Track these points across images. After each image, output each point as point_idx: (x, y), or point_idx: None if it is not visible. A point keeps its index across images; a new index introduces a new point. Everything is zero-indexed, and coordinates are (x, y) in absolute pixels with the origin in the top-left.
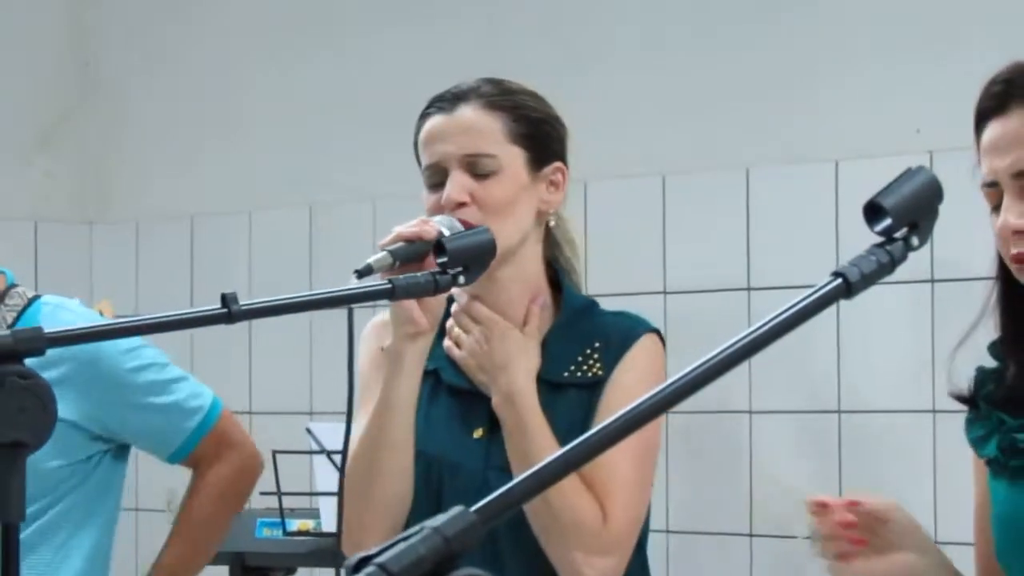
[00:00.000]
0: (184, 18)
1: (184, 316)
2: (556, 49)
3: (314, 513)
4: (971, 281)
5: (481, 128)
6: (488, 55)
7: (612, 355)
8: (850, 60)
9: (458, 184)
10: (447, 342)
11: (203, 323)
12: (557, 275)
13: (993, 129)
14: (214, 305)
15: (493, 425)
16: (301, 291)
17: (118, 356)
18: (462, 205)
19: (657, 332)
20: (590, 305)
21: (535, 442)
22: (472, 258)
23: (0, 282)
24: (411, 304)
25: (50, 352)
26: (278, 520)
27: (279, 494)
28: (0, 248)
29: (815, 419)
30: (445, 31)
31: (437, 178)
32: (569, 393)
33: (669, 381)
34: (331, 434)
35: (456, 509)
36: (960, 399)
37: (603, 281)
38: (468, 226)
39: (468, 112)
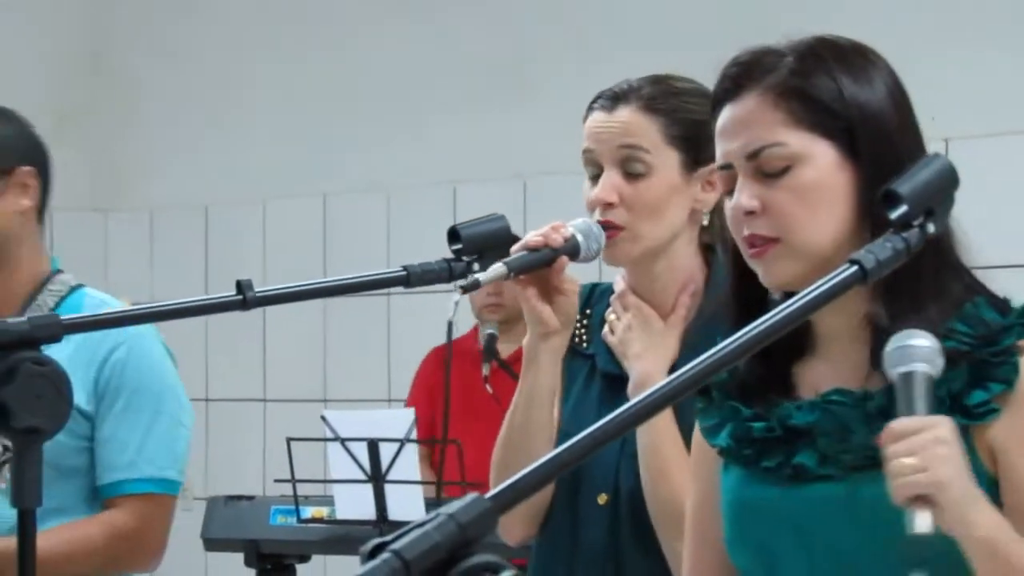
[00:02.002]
0: (197, 9)
1: (199, 303)
2: (565, 40)
3: (328, 500)
4: (987, 269)
5: (636, 130)
6: (500, 46)
7: None
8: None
9: (608, 185)
10: (605, 329)
11: (218, 309)
12: (712, 260)
13: (727, 113)
14: (228, 292)
15: None
16: (315, 280)
17: (169, 378)
18: (610, 205)
19: None
20: None
21: (657, 433)
22: (487, 245)
23: (46, 267)
24: (543, 308)
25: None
26: (292, 507)
27: (293, 481)
28: None
29: None
30: (461, 23)
31: (593, 171)
32: None
33: (691, 364)
34: (345, 421)
35: (471, 496)
36: None
37: None
38: (612, 228)
39: (626, 113)
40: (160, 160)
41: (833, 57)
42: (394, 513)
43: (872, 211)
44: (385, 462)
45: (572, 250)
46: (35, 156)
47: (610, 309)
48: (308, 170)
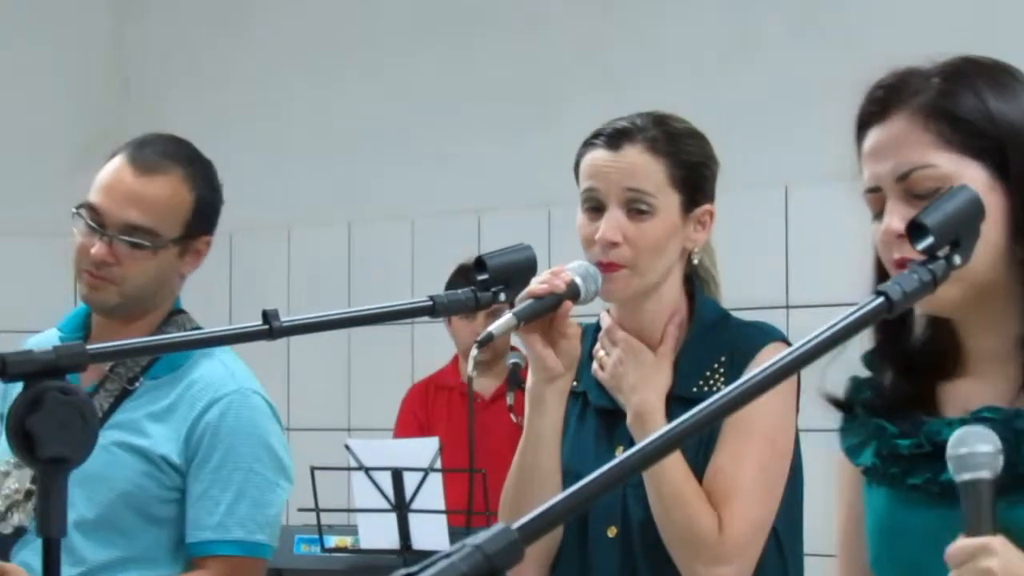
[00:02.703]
0: (224, 37)
1: (226, 332)
2: (591, 72)
3: (352, 530)
4: None
5: (643, 171)
6: (525, 75)
7: (736, 368)
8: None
9: (613, 224)
10: (595, 365)
11: (245, 339)
12: (694, 289)
13: (874, 135)
14: (252, 321)
15: (633, 443)
16: (339, 308)
17: (268, 437)
18: (615, 244)
19: (785, 340)
20: (722, 317)
21: (662, 461)
22: (513, 275)
23: (169, 306)
24: (547, 353)
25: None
26: (316, 536)
27: (317, 510)
28: (41, 264)
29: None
30: (486, 52)
31: (594, 203)
32: None
33: (718, 395)
34: (369, 450)
35: (498, 526)
36: (834, 403)
37: None
38: (612, 268)
39: (632, 153)
40: None
41: (980, 77)
42: (418, 542)
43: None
44: (409, 491)
45: (573, 294)
46: (216, 223)
47: (598, 346)
48: (333, 198)
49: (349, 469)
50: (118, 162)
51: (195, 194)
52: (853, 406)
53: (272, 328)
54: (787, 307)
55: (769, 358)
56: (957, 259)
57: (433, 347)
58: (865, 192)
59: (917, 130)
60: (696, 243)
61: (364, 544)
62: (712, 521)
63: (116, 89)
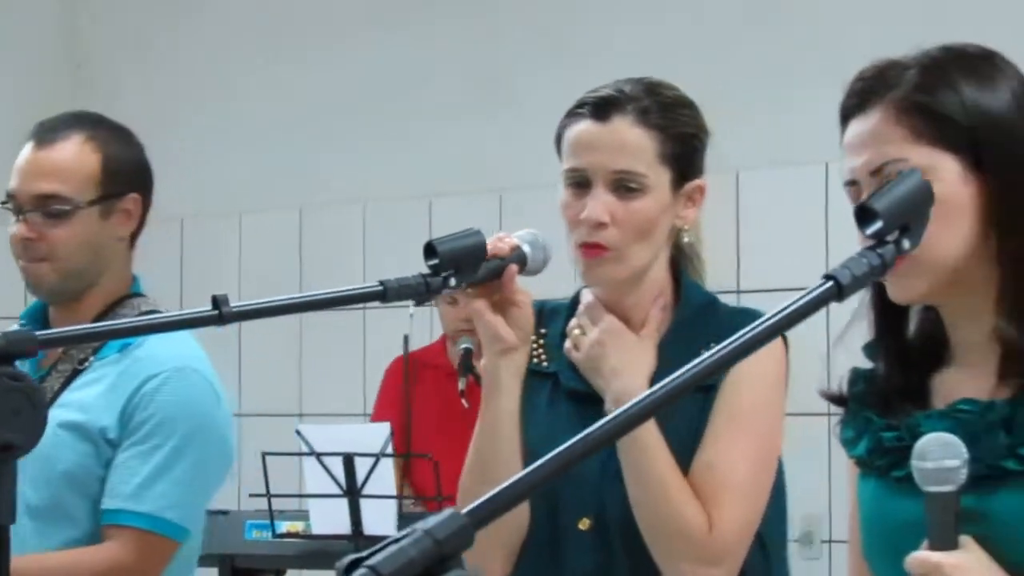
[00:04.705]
0: (176, 21)
1: (175, 318)
2: (544, 52)
3: (303, 515)
4: None
5: (634, 147)
6: (478, 59)
7: None
8: (840, 61)
9: (601, 204)
10: (567, 344)
11: (194, 324)
12: (680, 272)
13: (853, 128)
14: (204, 307)
15: None
16: (291, 293)
17: (203, 418)
18: (602, 225)
19: None
20: (710, 303)
21: (647, 451)
22: (463, 260)
23: (121, 286)
24: (497, 321)
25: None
26: (267, 522)
27: (268, 496)
28: None
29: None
30: (438, 35)
31: (579, 179)
32: (684, 396)
33: (661, 383)
34: (320, 436)
35: (447, 511)
36: (832, 399)
37: None
38: (598, 250)
39: (622, 126)
40: None
41: (957, 67)
42: (370, 528)
43: (999, 222)
44: (361, 476)
45: (519, 260)
46: (144, 183)
47: (573, 323)
48: (284, 183)
49: (300, 455)
50: (26, 146)
51: (101, 153)
52: (847, 400)
53: (222, 313)
54: (738, 292)
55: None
56: (906, 244)
57: (385, 332)
58: (844, 184)
59: (891, 124)
60: (686, 221)
61: (316, 529)
62: (702, 518)
63: (67, 74)
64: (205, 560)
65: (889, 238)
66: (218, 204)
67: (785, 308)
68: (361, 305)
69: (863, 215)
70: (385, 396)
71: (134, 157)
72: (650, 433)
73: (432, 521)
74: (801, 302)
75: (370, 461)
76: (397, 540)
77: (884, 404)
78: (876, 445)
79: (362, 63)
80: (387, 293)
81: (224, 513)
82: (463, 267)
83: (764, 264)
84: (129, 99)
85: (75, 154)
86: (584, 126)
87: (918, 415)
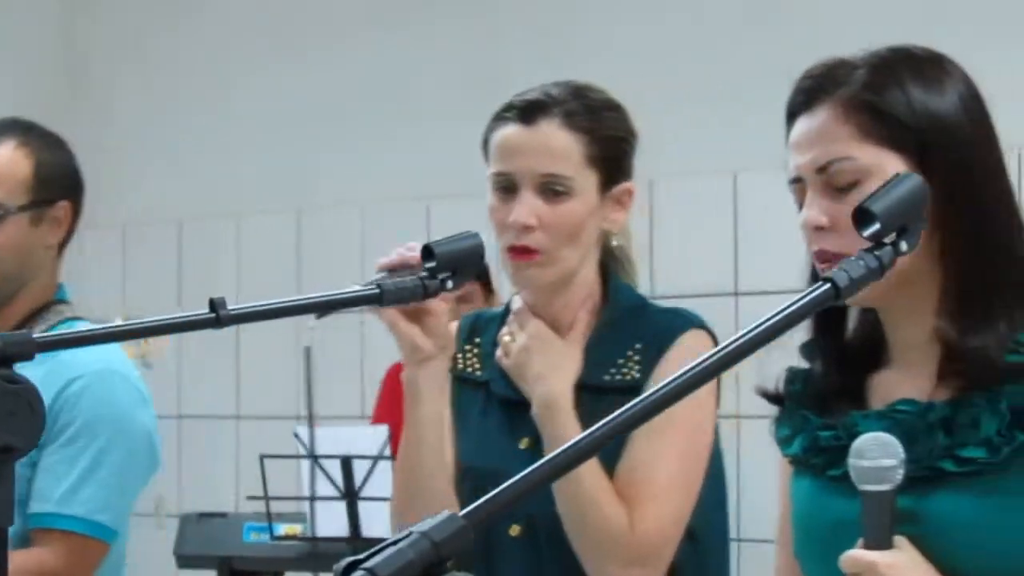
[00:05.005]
0: (173, 23)
1: (172, 321)
2: (541, 55)
3: (301, 517)
4: None
5: (560, 151)
6: (476, 62)
7: (651, 356)
8: None
9: (527, 207)
10: (499, 352)
11: (191, 327)
12: (609, 275)
13: (799, 126)
14: (202, 310)
15: (539, 435)
16: (289, 295)
17: (126, 422)
18: (529, 228)
19: (705, 328)
20: (640, 304)
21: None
22: (461, 263)
23: (47, 293)
24: (412, 331)
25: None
26: (266, 524)
27: (267, 498)
28: None
29: None
30: (437, 36)
31: (505, 183)
32: (609, 397)
33: (657, 387)
34: (319, 439)
35: (444, 513)
36: (767, 397)
37: None
38: (527, 252)
39: (549, 129)
40: (133, 175)
41: (906, 68)
42: (368, 530)
43: (943, 223)
44: (359, 479)
45: None
46: (74, 190)
47: (504, 331)
48: (282, 185)
49: (299, 457)
50: None
51: (33, 159)
52: (783, 399)
53: (219, 316)
54: (735, 294)
55: (690, 345)
56: (904, 246)
57: (382, 335)
58: (788, 182)
59: (838, 122)
60: (615, 224)
61: (314, 532)
62: (624, 519)
63: (63, 75)
64: (203, 562)
65: (887, 240)
66: (216, 206)
67: (783, 310)
68: (359, 308)
69: (861, 217)
70: (384, 399)
71: (66, 164)
72: (575, 436)
73: (430, 523)
74: (799, 304)
75: (369, 463)
76: (395, 542)
77: (821, 404)
78: (812, 444)
79: (360, 65)
80: (384, 296)
81: (222, 515)
82: (461, 269)
83: (762, 266)
84: (127, 100)
85: (7, 159)
86: (510, 130)
87: (856, 415)
